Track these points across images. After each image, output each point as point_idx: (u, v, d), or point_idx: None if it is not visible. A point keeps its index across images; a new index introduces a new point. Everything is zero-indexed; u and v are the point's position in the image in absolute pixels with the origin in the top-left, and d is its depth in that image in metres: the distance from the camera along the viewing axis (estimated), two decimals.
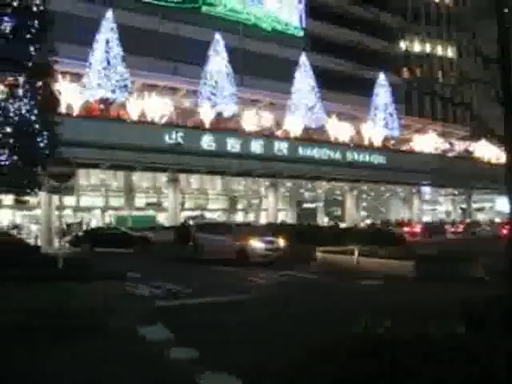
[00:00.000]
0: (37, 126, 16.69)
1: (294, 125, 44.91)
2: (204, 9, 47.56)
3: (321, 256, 23.26)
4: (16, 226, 36.74)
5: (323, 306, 12.56)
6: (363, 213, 60.27)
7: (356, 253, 20.65)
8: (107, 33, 37.28)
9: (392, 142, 53.27)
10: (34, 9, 17.06)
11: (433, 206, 69.37)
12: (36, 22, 16.98)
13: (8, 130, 15.89)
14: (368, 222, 54.15)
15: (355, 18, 56.08)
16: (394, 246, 22.86)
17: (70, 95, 33.68)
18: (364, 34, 56.36)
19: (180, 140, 36.71)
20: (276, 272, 20.03)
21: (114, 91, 36.57)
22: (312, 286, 16.71)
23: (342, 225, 45.44)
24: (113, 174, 40.38)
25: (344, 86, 51.75)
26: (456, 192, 62.81)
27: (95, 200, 45.25)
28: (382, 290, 15.51)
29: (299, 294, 14.77)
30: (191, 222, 35.49)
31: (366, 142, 49.72)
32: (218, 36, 42.66)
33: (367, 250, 21.17)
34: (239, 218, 52.64)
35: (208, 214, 47.68)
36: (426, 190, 58.97)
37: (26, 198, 20.31)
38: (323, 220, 55.48)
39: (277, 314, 11.43)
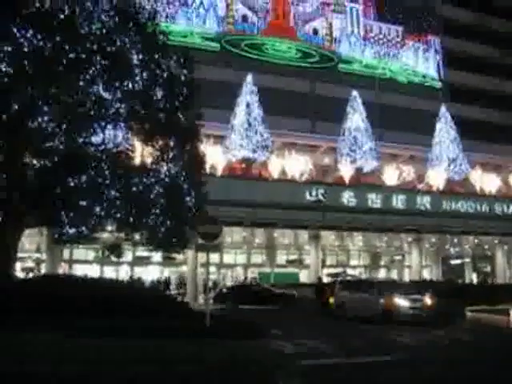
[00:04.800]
0: (185, 186, 17.52)
1: (437, 178, 43.59)
2: (340, 67, 48.33)
3: (471, 315, 22.12)
4: (165, 282, 38.13)
5: (488, 371, 11.66)
6: None
7: (511, 312, 19.36)
8: (247, 95, 38.84)
9: None
10: (182, 78, 18.20)
11: None
12: (184, 89, 18.07)
13: (159, 190, 16.79)
14: None
15: (496, 63, 54.49)
16: None
17: (214, 156, 35.19)
18: (507, 80, 54.51)
19: (320, 197, 36.83)
20: (423, 331, 19.15)
21: (254, 151, 37.74)
22: (467, 348, 15.67)
23: (493, 282, 42.81)
24: (254, 231, 41.16)
25: (487, 135, 49.90)
26: None
27: (237, 257, 46.28)
28: None
29: (454, 357, 13.87)
30: (330, 279, 35.20)
31: None
32: (354, 93, 42.88)
33: None
34: (381, 274, 51.29)
35: (349, 271, 46.93)
36: None
37: (174, 254, 21.26)
38: (471, 277, 52.58)
39: (432, 379, 10.78)
